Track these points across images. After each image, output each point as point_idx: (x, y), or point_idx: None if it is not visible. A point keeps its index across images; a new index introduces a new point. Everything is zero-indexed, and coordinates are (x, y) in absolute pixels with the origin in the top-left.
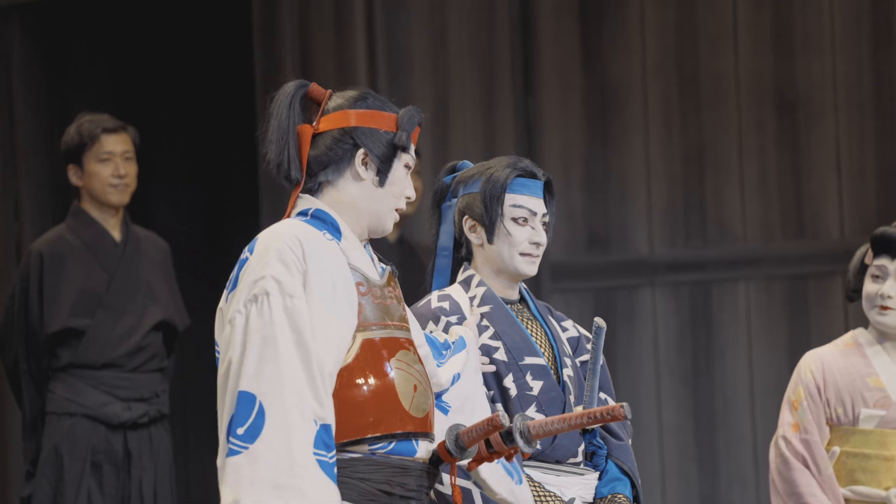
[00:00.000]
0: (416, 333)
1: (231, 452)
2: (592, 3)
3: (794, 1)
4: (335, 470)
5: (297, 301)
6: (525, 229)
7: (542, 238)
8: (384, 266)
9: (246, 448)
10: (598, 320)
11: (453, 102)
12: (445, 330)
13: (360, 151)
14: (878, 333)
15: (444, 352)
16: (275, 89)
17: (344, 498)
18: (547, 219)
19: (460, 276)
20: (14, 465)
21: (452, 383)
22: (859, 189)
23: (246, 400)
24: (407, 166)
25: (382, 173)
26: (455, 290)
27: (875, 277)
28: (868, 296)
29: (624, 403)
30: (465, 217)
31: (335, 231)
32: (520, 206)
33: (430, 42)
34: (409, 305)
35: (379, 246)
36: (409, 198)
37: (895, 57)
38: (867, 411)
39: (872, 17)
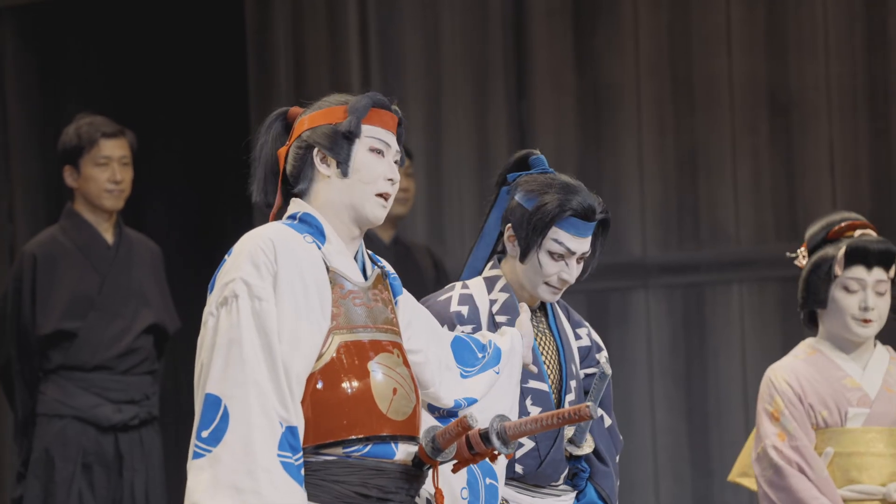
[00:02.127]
0: (419, 334)
1: (195, 455)
2: (585, 5)
3: (787, 3)
4: (302, 472)
5: (265, 304)
6: (558, 264)
7: (572, 277)
8: (375, 266)
9: (209, 451)
10: (605, 366)
11: (446, 104)
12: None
13: (315, 150)
14: (839, 340)
15: (479, 354)
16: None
17: (318, 500)
18: (586, 255)
19: (487, 272)
20: (6, 467)
21: (457, 406)
22: (853, 191)
23: (211, 403)
24: (373, 150)
25: (343, 164)
26: (478, 290)
27: (850, 290)
28: (845, 308)
29: (589, 403)
30: (508, 224)
31: (319, 234)
32: (560, 243)
33: (423, 43)
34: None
35: (373, 247)
36: (390, 179)
37: (889, 59)
38: (854, 410)
39: (866, 18)
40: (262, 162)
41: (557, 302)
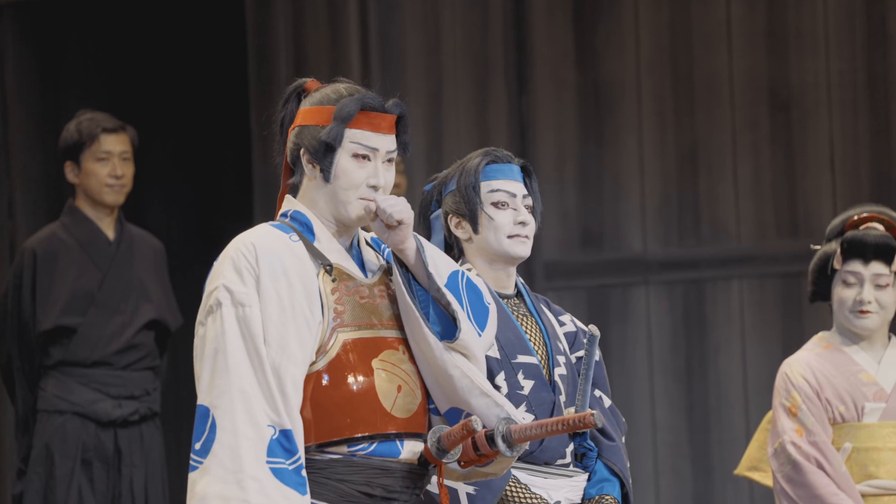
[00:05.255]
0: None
1: (191, 468)
2: (586, 1)
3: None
4: (302, 473)
5: (248, 309)
6: (507, 212)
7: (527, 218)
8: (380, 259)
9: (200, 463)
10: (592, 328)
11: (447, 100)
12: None
13: (301, 151)
14: (849, 333)
15: None
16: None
17: (322, 499)
18: (529, 202)
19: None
20: (7, 463)
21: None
22: (853, 187)
23: (202, 414)
24: (357, 156)
25: (325, 170)
26: None
27: (848, 283)
28: (843, 301)
29: (595, 412)
30: (450, 216)
31: (308, 232)
32: (497, 190)
33: (424, 40)
34: None
35: None
36: (374, 186)
37: (889, 55)
38: (870, 405)
39: (866, 15)
40: (282, 136)
41: (534, 297)
